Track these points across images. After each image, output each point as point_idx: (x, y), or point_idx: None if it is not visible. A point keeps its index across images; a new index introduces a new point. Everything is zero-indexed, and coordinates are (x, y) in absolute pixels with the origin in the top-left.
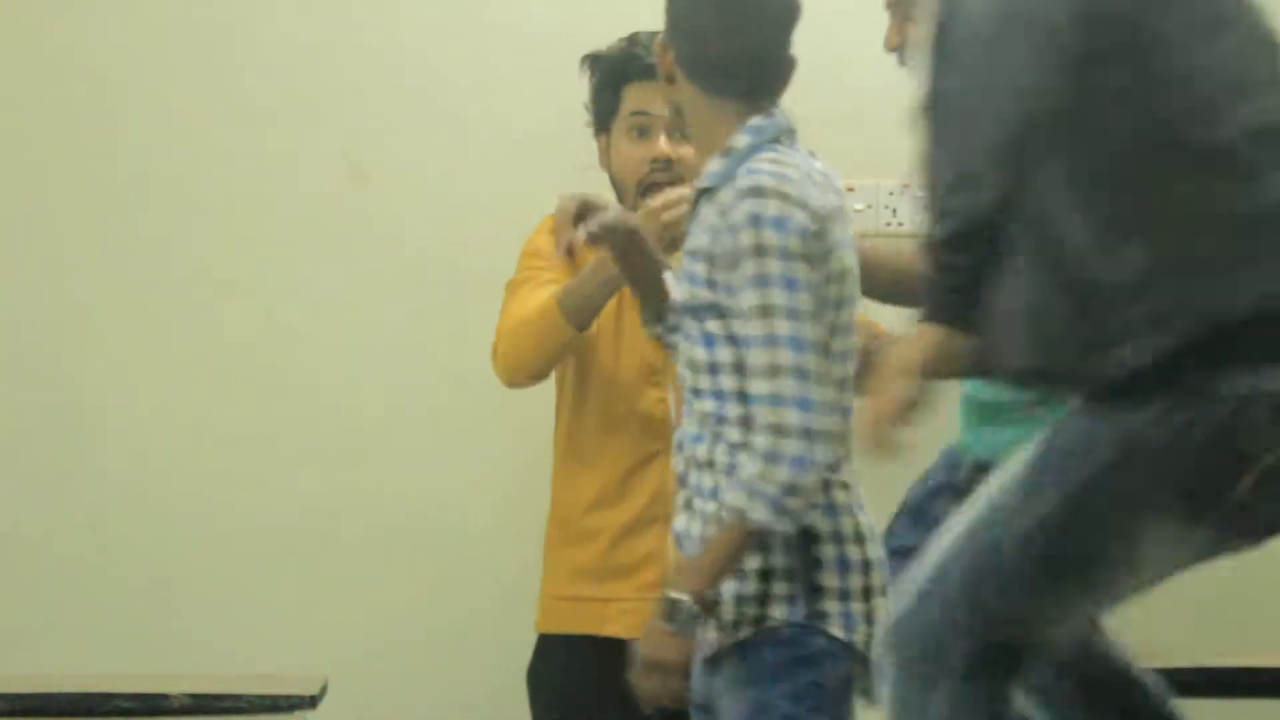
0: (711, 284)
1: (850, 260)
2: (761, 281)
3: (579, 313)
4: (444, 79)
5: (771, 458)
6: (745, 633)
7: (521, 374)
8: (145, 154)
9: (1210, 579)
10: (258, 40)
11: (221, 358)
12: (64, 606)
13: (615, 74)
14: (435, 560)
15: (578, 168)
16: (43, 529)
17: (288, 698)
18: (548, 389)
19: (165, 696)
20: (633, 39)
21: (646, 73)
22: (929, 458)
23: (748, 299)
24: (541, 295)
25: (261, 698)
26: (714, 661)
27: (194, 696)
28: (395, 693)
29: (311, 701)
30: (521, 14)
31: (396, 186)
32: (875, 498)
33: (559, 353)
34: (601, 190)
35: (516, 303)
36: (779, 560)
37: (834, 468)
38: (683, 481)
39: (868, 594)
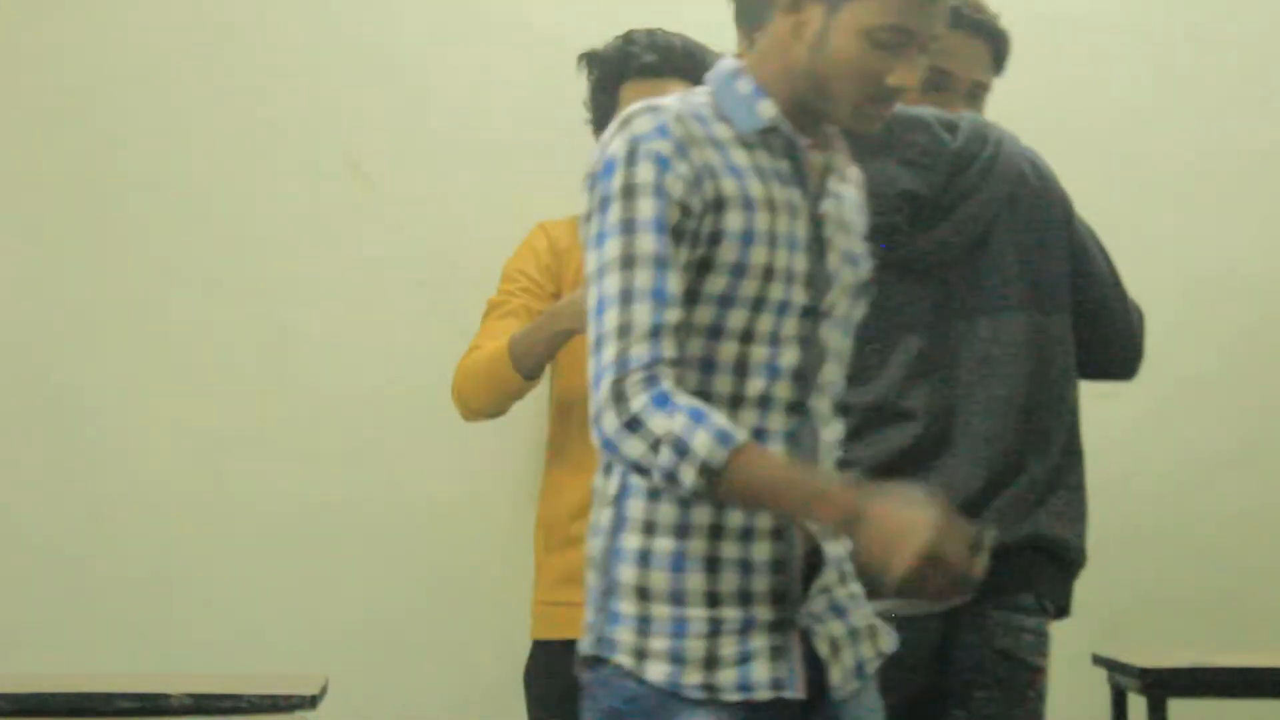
0: None
1: None
2: None
3: (525, 359)
4: (444, 79)
5: None
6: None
7: (476, 415)
8: (144, 154)
9: (1210, 579)
10: (258, 40)
11: (222, 357)
12: (64, 606)
13: (612, 73)
14: (435, 560)
15: None
16: (43, 529)
17: (288, 697)
18: (547, 393)
19: (166, 696)
20: (628, 37)
21: (643, 71)
22: None
23: None
24: (503, 329)
25: (262, 697)
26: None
27: (194, 696)
28: (395, 693)
29: (312, 701)
30: (522, 14)
31: (397, 186)
32: None
33: (509, 398)
34: None
35: (481, 335)
36: None
37: None
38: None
39: None
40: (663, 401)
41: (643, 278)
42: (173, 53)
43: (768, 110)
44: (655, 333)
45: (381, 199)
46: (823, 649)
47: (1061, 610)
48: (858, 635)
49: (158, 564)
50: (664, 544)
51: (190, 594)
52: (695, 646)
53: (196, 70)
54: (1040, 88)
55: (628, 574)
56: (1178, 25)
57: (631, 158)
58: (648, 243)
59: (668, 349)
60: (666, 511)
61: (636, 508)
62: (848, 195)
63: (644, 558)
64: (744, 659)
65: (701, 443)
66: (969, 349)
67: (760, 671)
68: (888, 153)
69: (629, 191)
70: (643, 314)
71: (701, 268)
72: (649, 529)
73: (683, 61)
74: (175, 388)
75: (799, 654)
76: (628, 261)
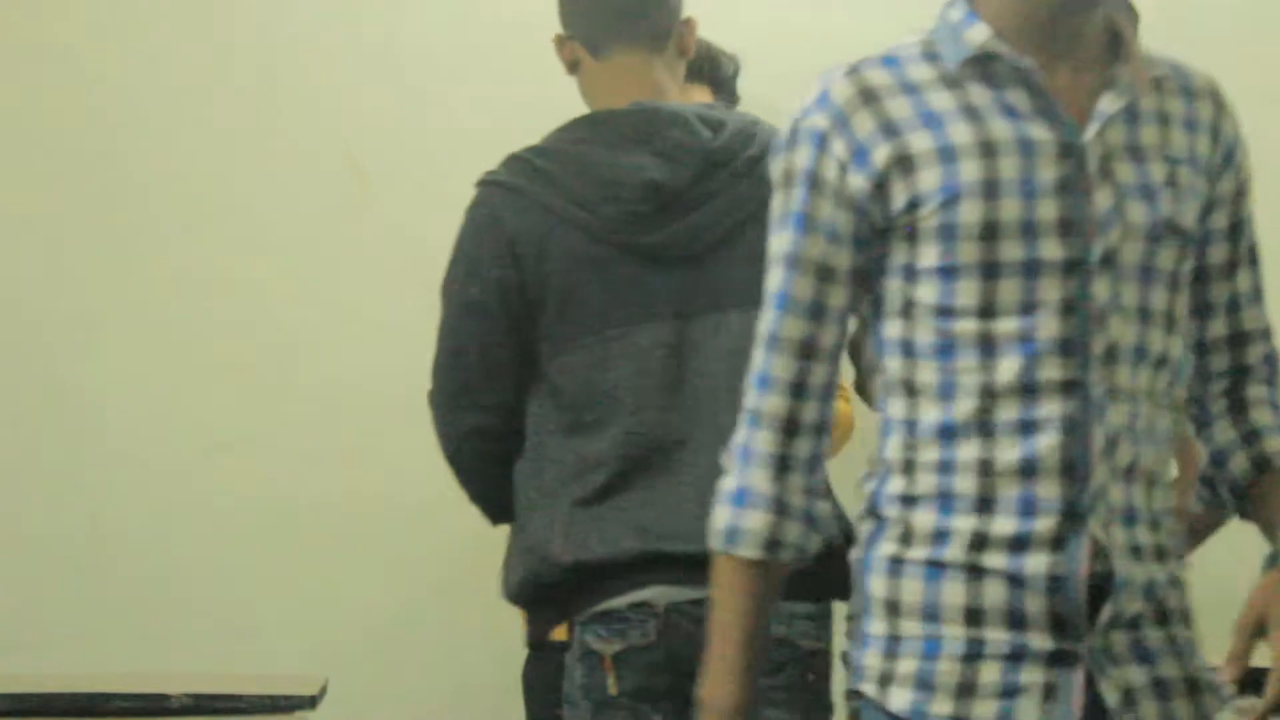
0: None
1: None
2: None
3: None
4: (445, 78)
5: None
6: None
7: None
8: (146, 154)
9: (1210, 579)
10: (259, 39)
11: (222, 357)
12: (64, 606)
13: None
14: (436, 561)
15: None
16: (43, 528)
17: (288, 698)
18: None
19: (165, 697)
20: None
21: None
22: None
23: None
24: None
25: (261, 698)
26: None
27: (194, 697)
28: (395, 693)
29: (311, 702)
30: (524, 12)
31: (397, 186)
32: None
33: None
34: None
35: None
36: None
37: None
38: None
39: None
40: (744, 456)
41: (773, 280)
42: (173, 51)
43: (976, 35)
44: (770, 344)
45: (382, 199)
46: (1111, 697)
47: (843, 591)
48: (1167, 689)
49: (158, 564)
50: (919, 551)
51: (191, 594)
52: (948, 670)
53: (197, 70)
54: None
55: (878, 586)
56: (1179, 24)
57: (791, 139)
58: (784, 241)
59: (778, 366)
60: (923, 517)
61: (891, 512)
62: (1151, 113)
63: (896, 566)
64: (1009, 691)
65: (717, 518)
66: (720, 341)
67: (1028, 712)
68: (642, 145)
69: (785, 180)
70: (765, 321)
71: (910, 239)
72: (905, 537)
73: (705, 65)
74: (176, 387)
75: (1080, 700)
76: (773, 260)
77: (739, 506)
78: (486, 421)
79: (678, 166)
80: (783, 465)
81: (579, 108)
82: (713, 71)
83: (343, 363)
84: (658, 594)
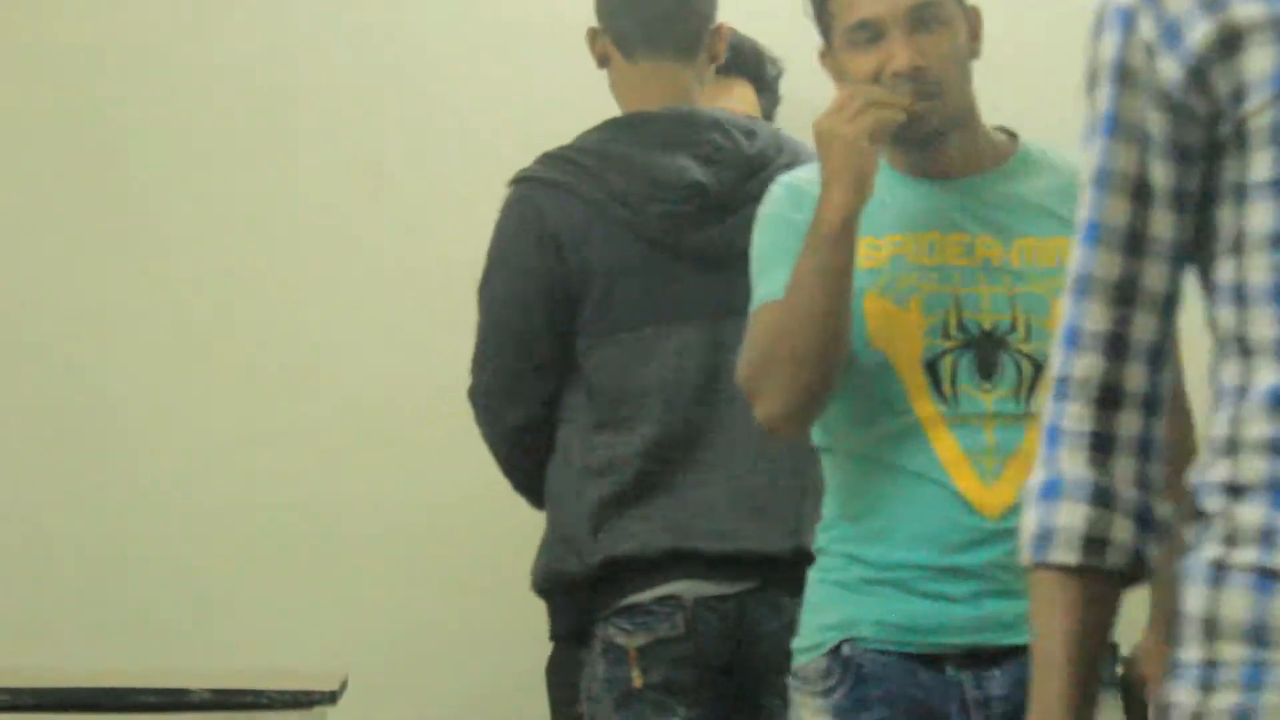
0: None
1: None
2: None
3: None
4: (462, 79)
5: None
6: None
7: None
8: (162, 155)
9: None
10: (276, 41)
11: (240, 358)
12: (86, 602)
13: None
14: (455, 557)
15: None
16: (64, 526)
17: (308, 694)
18: None
19: (186, 691)
20: None
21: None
22: None
23: None
24: None
25: (282, 693)
26: None
27: (215, 692)
28: (416, 689)
29: (332, 698)
30: (542, 14)
31: (414, 188)
32: None
33: None
34: None
35: None
36: None
37: None
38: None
39: None
40: (1051, 438)
41: (1081, 208)
42: (189, 53)
43: None
44: (1079, 290)
45: (402, 201)
46: None
47: None
48: None
49: (179, 561)
50: (1246, 554)
51: (211, 590)
52: (1276, 704)
53: (213, 71)
54: (1050, 88)
55: (1194, 600)
56: None
57: (1095, 30)
58: (1091, 155)
59: (1091, 316)
60: (1250, 511)
61: (1214, 506)
62: None
63: (1218, 574)
64: None
65: (1026, 523)
66: None
67: None
68: (683, 148)
69: (1090, 82)
70: (1072, 263)
71: (1240, 147)
72: (1230, 537)
73: (751, 65)
74: (197, 388)
75: None
76: (1081, 186)
77: (1049, 501)
78: (532, 414)
79: (721, 170)
80: (1102, 445)
81: (601, 108)
82: (758, 72)
83: (364, 363)
84: (686, 588)
